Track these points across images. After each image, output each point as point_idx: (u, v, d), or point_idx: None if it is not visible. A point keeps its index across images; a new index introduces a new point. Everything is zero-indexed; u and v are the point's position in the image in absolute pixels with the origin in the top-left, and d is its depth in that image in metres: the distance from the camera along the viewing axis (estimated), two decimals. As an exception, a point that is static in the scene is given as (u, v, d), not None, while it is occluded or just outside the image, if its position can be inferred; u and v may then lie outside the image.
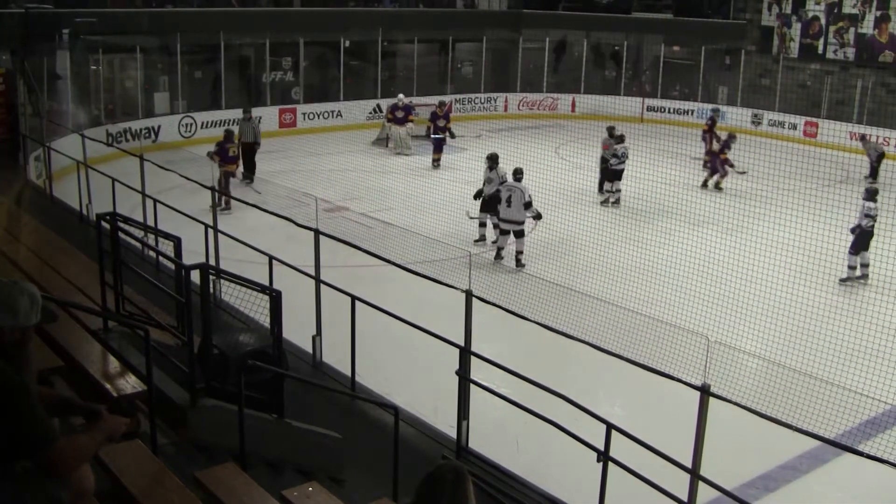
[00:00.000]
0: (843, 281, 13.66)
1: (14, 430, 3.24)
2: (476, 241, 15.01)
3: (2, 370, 3.29)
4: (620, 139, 18.24)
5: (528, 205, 13.74)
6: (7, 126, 16.98)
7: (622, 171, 18.05)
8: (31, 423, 3.27)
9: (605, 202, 18.18)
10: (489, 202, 14.88)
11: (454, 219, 15.14)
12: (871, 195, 13.86)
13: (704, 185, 19.59)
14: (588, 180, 18.45)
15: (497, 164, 15.21)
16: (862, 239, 13.60)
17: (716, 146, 19.81)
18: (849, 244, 13.63)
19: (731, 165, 19.12)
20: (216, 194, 15.35)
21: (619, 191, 18.19)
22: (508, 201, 13.89)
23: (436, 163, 21.10)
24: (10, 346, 3.38)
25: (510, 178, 14.37)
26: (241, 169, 18.08)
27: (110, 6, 23.61)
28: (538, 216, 14.03)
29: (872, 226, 13.56)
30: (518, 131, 24.84)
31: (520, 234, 13.89)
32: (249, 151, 18.73)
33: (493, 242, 14.79)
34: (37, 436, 3.27)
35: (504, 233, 14.10)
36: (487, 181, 15.11)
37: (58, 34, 19.93)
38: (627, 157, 18.02)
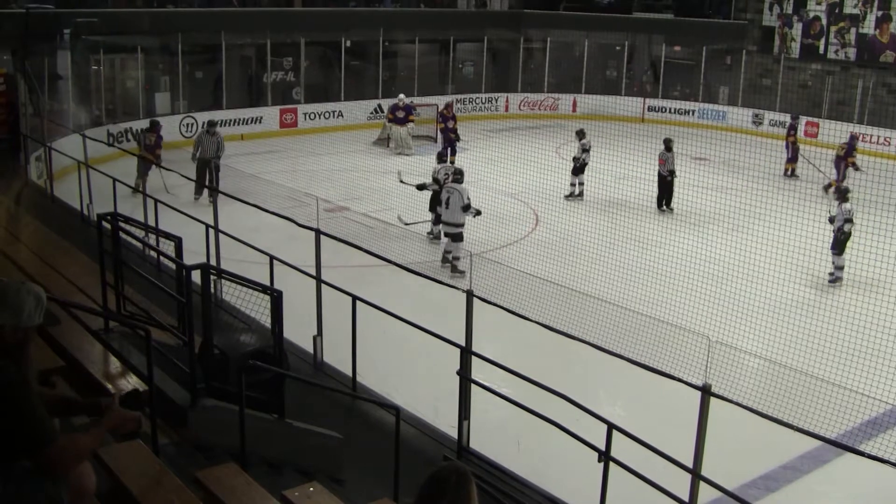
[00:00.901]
0: (832, 282, 13.73)
1: (14, 428, 3.24)
2: (429, 233, 15.19)
3: (2, 368, 3.29)
4: (581, 134, 18.54)
5: (466, 207, 13.35)
6: (8, 126, 16.96)
7: (586, 164, 18.38)
8: (31, 421, 3.27)
9: (570, 196, 18.49)
10: (433, 200, 15.25)
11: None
12: (844, 195, 14.05)
13: (827, 189, 19.01)
14: (589, 180, 18.43)
15: (442, 162, 15.71)
16: (837, 242, 13.73)
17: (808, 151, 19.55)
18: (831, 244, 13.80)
19: (857, 168, 18.84)
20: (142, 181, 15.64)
21: (582, 184, 18.54)
22: (447, 203, 13.57)
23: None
24: (13, 346, 3.38)
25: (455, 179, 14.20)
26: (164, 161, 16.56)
27: (111, 6, 23.63)
28: (477, 213, 13.58)
29: (845, 234, 13.67)
30: (519, 131, 24.85)
31: (457, 238, 13.42)
32: (213, 166, 16.66)
33: (434, 238, 15.05)
34: (37, 435, 3.27)
35: (446, 235, 13.75)
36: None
37: (59, 34, 19.94)
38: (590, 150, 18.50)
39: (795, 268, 12.80)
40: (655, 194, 17.95)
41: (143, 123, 21.89)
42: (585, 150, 18.44)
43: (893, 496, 7.88)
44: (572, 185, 18.63)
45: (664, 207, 17.98)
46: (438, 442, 7.48)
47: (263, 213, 10.57)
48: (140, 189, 14.84)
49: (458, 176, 13.85)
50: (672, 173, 17.83)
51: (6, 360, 3.33)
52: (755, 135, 25.44)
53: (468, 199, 13.46)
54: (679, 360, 6.71)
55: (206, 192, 16.65)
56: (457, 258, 13.24)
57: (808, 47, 27.44)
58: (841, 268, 13.75)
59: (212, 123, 17.85)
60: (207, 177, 16.67)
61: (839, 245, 13.70)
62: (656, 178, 17.96)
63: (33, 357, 3.63)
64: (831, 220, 13.92)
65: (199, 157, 17.23)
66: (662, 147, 18.06)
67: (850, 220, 13.66)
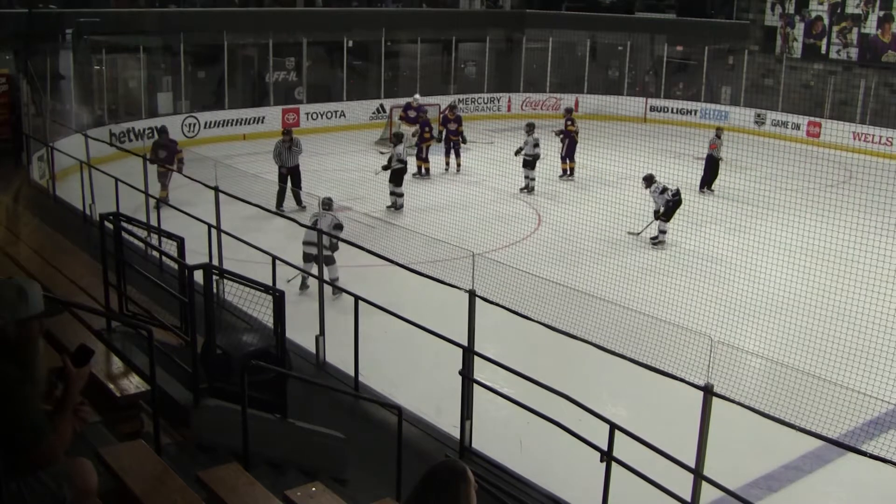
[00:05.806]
0: (655, 244, 15.37)
1: (10, 427, 3.25)
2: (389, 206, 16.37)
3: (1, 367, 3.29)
4: (531, 128, 19.12)
5: (339, 227, 12.14)
6: (10, 126, 16.98)
7: (538, 158, 18.99)
8: (25, 421, 3.29)
9: (524, 189, 19.04)
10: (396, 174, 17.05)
11: (457, 219, 15.14)
12: (648, 182, 15.63)
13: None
14: (589, 178, 18.43)
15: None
16: (671, 211, 15.43)
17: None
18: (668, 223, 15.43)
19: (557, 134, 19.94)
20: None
21: (533, 179, 19.04)
22: (314, 227, 12.03)
23: (459, 167, 21.06)
24: (21, 343, 3.37)
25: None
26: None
27: (114, 6, 23.65)
28: (335, 247, 12.07)
29: (675, 200, 15.33)
30: (521, 131, 24.79)
31: (329, 261, 11.91)
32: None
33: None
34: (30, 434, 3.29)
35: (309, 259, 11.97)
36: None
37: (61, 34, 19.96)
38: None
39: (798, 267, 12.78)
40: (699, 177, 19.27)
41: (145, 123, 21.95)
42: (536, 144, 18.88)
43: (895, 496, 7.87)
44: (526, 177, 19.03)
45: (705, 189, 19.25)
46: (441, 442, 7.48)
47: (266, 213, 10.58)
48: (165, 200, 14.40)
49: (328, 203, 12.71)
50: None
51: (7, 359, 3.32)
52: (757, 135, 25.43)
53: (339, 220, 12.36)
54: (681, 360, 6.71)
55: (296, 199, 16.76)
56: (335, 279, 12.12)
57: (811, 47, 27.41)
58: (664, 232, 15.45)
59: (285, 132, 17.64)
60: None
61: (669, 214, 15.44)
62: (703, 161, 19.51)
63: (41, 355, 3.59)
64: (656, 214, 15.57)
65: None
66: (713, 134, 19.52)
67: (665, 192, 15.37)
